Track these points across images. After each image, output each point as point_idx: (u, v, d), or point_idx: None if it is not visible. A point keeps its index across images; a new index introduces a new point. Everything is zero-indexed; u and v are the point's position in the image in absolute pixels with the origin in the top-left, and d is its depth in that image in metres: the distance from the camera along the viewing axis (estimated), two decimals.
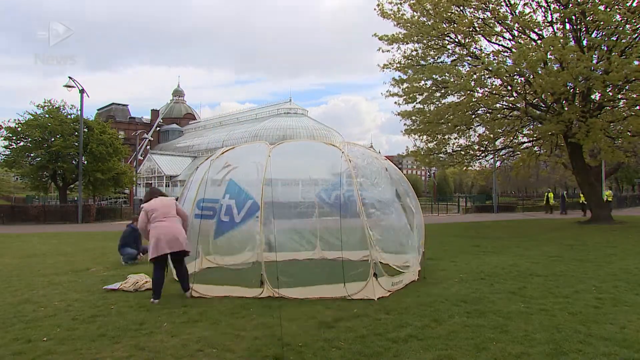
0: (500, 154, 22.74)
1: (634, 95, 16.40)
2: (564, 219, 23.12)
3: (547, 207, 31.07)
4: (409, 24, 17.59)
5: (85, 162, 27.13)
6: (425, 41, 17.71)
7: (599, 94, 17.23)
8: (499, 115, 19.08)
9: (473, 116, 18.82)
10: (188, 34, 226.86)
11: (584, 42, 16.49)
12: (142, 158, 55.49)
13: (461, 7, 16.79)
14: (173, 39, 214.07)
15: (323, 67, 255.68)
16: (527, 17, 16.18)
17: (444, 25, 16.66)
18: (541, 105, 18.23)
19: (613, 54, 15.15)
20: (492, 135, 19.94)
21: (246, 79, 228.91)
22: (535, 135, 20.15)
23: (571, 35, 16.90)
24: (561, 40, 15.49)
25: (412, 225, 7.53)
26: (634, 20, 15.08)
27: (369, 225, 6.02)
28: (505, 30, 17.31)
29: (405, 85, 18.68)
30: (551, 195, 31.96)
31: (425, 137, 19.88)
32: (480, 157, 21.79)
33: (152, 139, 66.52)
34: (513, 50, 16.41)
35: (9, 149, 27.65)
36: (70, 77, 23.89)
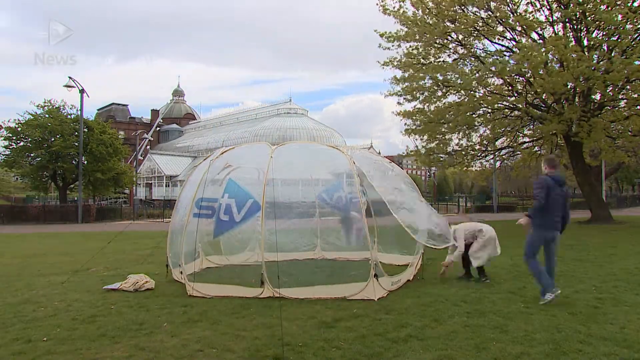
0: (501, 154, 22.74)
1: (635, 95, 16.41)
2: None
3: None
4: (410, 22, 17.57)
5: (85, 162, 27.14)
6: (426, 40, 17.69)
7: (600, 94, 17.24)
8: (500, 115, 19.08)
9: (474, 116, 18.80)
10: (206, 31, 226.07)
11: (585, 42, 16.50)
12: (142, 158, 55.46)
13: (463, 7, 16.77)
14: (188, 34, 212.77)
15: (338, 65, 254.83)
16: (528, 16, 16.19)
17: (446, 24, 16.64)
18: (541, 105, 18.23)
19: (614, 53, 15.16)
20: (492, 136, 19.95)
21: (265, 78, 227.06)
22: (536, 135, 20.16)
23: (572, 35, 16.91)
24: (563, 40, 15.50)
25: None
26: (635, 20, 15.07)
27: (369, 226, 6.03)
28: (506, 30, 17.31)
29: (406, 84, 18.67)
30: None
31: (425, 137, 19.87)
32: (481, 157, 21.80)
33: (152, 139, 66.47)
34: (515, 50, 16.41)
35: (9, 149, 27.67)
36: (70, 77, 23.91)
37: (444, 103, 18.91)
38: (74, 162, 26.80)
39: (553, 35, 16.26)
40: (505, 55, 17.19)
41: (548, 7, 16.88)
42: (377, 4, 17.94)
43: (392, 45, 18.30)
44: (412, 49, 18.31)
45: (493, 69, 16.08)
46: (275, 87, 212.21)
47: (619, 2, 14.77)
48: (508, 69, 15.88)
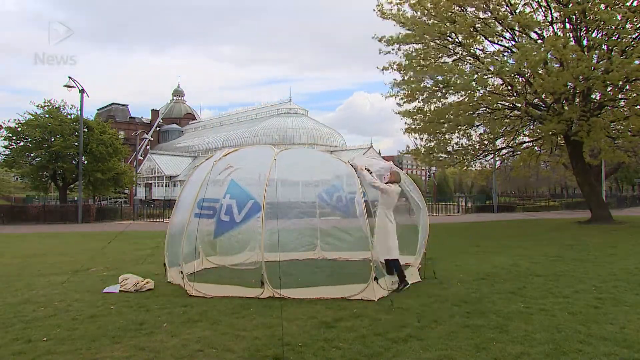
0: (501, 153, 22.75)
1: (635, 95, 16.40)
2: (564, 219, 23.10)
3: None
4: (409, 24, 17.57)
5: (85, 162, 27.11)
6: (425, 41, 17.69)
7: (600, 94, 17.24)
8: (499, 115, 19.09)
9: (474, 115, 18.82)
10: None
11: (584, 42, 16.49)
12: (142, 158, 55.44)
13: (462, 7, 16.77)
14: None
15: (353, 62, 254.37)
16: (527, 16, 16.19)
17: (445, 25, 16.64)
18: (541, 105, 18.24)
19: (613, 53, 15.15)
20: (492, 135, 19.95)
21: (278, 77, 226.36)
22: (535, 135, 20.16)
23: (571, 35, 16.91)
24: (562, 40, 15.50)
25: (417, 225, 7.58)
26: (635, 20, 15.07)
27: (368, 226, 6.03)
28: (505, 30, 17.31)
29: (404, 86, 18.69)
30: None
31: (425, 136, 19.89)
32: (480, 157, 21.81)
33: (152, 139, 66.47)
34: (514, 50, 16.41)
35: (9, 149, 27.63)
36: (70, 77, 23.90)
37: (444, 103, 18.94)
38: (74, 162, 26.77)
39: (552, 35, 16.26)
40: (504, 56, 17.20)
41: (547, 6, 16.88)
42: (374, 10, 17.95)
43: (392, 49, 18.33)
44: (412, 51, 18.34)
45: (491, 68, 16.07)
46: (292, 86, 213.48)
47: (618, 2, 14.76)
48: (507, 68, 15.87)
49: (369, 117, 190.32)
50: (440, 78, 17.73)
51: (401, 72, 18.60)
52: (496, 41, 17.73)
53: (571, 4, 15.29)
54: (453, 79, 17.13)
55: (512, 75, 16.81)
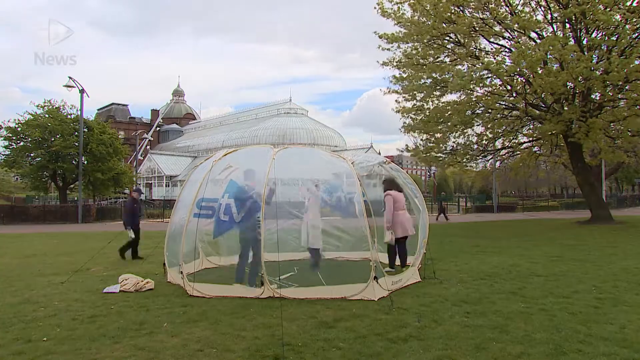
0: (500, 154, 22.73)
1: (634, 95, 16.38)
2: (564, 219, 23.09)
3: None
4: (408, 24, 17.58)
5: (85, 162, 27.11)
6: (425, 41, 17.69)
7: (599, 94, 17.22)
8: (498, 115, 19.08)
9: (473, 115, 18.81)
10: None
11: (584, 42, 16.48)
12: (142, 158, 55.48)
13: (460, 7, 16.76)
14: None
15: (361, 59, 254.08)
16: (526, 16, 16.18)
17: (444, 25, 16.63)
18: (541, 105, 18.23)
19: (613, 54, 15.14)
20: (491, 135, 19.94)
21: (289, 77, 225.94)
22: (535, 135, 20.16)
23: (571, 35, 16.90)
24: (561, 40, 15.49)
25: (417, 225, 7.60)
26: (634, 20, 15.05)
27: (368, 226, 6.03)
28: (504, 30, 17.30)
29: (405, 83, 18.72)
30: None
31: (424, 135, 19.90)
32: (480, 157, 21.79)
33: (152, 139, 66.54)
34: (512, 50, 16.40)
35: (9, 149, 27.62)
36: (70, 77, 23.90)
37: (442, 102, 18.97)
38: (74, 162, 26.76)
39: (552, 34, 16.24)
40: (503, 55, 17.19)
41: (546, 6, 16.87)
42: (374, 7, 17.95)
43: (392, 47, 18.36)
44: (412, 49, 18.35)
45: (489, 69, 16.04)
46: (301, 86, 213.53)
47: (617, 2, 14.74)
48: (504, 68, 15.85)
49: (390, 115, 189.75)
50: (438, 77, 17.74)
51: (400, 69, 18.64)
52: (495, 40, 17.72)
53: (570, 5, 15.28)
54: (451, 79, 17.13)
55: (511, 75, 16.79)
